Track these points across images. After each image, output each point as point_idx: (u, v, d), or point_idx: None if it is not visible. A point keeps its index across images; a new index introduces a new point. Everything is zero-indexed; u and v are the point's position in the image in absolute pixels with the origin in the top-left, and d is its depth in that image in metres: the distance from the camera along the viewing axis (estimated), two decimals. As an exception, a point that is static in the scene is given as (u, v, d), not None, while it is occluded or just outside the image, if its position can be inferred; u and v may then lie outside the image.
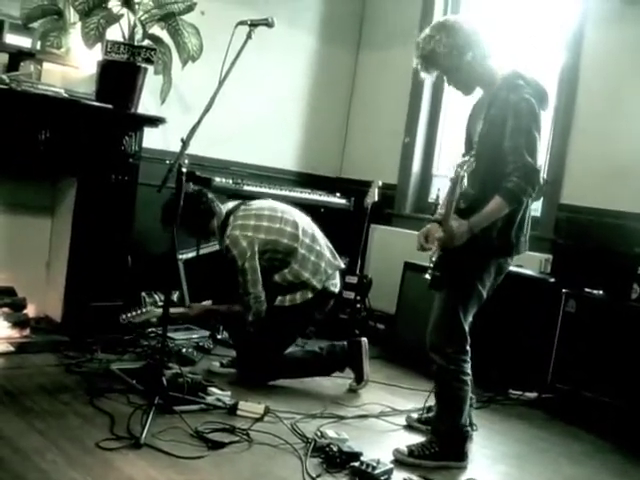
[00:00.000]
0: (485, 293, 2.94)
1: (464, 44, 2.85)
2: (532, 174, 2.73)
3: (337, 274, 3.82)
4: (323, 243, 3.81)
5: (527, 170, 2.72)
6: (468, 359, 2.95)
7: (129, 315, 3.59)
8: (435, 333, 2.96)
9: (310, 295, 3.66)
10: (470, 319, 2.97)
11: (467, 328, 2.94)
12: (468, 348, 2.95)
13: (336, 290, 3.80)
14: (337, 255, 3.86)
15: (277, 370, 3.66)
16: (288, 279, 3.65)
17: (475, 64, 2.88)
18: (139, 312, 3.61)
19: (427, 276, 2.91)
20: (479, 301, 2.95)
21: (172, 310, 3.46)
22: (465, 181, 2.87)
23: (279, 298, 3.65)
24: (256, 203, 3.80)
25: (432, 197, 5.29)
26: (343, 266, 3.88)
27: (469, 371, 2.95)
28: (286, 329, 3.70)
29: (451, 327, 2.91)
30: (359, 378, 3.76)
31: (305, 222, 3.80)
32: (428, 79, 3.07)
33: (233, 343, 3.93)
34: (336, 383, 3.83)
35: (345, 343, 3.80)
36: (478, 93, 3.03)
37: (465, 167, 2.72)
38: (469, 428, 3.05)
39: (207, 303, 3.91)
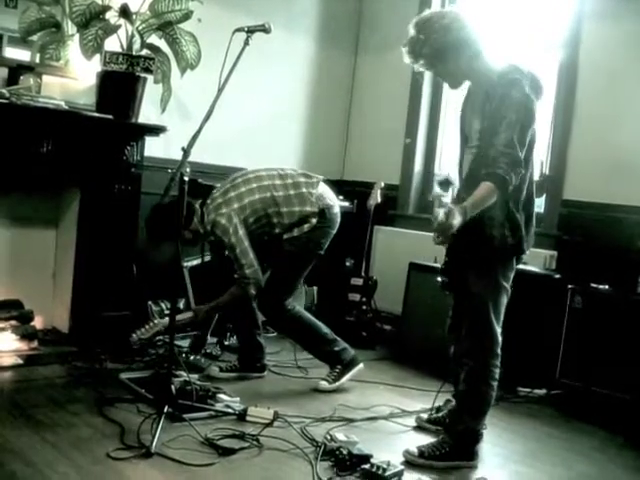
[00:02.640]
0: (509, 288, 2.94)
1: (459, 40, 2.82)
2: (517, 166, 2.68)
3: (322, 185, 3.79)
4: (291, 173, 3.80)
5: (514, 159, 2.67)
6: (499, 364, 2.94)
7: (138, 333, 3.63)
8: (469, 339, 2.94)
9: (314, 220, 3.70)
10: (502, 318, 2.95)
11: (499, 330, 2.93)
12: (499, 352, 2.93)
13: (332, 202, 3.79)
14: (311, 173, 3.85)
15: (285, 317, 3.72)
16: (287, 222, 3.68)
17: (468, 61, 2.86)
18: (147, 327, 3.65)
19: (439, 279, 2.94)
20: (507, 297, 2.95)
21: (178, 317, 3.48)
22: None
23: (285, 235, 3.70)
24: (217, 187, 3.79)
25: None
26: (322, 177, 3.85)
27: (497, 376, 2.94)
28: (291, 266, 3.76)
29: (483, 331, 2.90)
30: (329, 383, 3.76)
31: (264, 170, 3.80)
32: (420, 71, 3.01)
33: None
34: (344, 386, 3.83)
35: (351, 354, 3.83)
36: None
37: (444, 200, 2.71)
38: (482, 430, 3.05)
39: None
